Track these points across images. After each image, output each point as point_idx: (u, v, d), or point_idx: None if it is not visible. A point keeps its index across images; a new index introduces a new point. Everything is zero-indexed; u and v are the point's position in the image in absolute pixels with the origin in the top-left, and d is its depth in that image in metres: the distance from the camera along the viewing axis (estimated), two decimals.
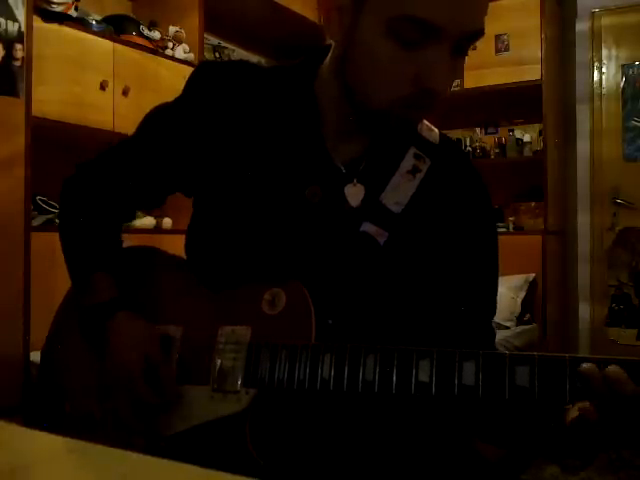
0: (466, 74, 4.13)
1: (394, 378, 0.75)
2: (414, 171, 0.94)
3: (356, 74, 0.85)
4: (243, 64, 0.98)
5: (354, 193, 0.91)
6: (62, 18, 2.49)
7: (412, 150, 0.95)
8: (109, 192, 1.04)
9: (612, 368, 0.68)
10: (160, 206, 1.10)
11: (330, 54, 0.91)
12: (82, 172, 1.07)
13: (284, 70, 0.97)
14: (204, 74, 0.96)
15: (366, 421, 0.91)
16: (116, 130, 2.67)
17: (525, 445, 0.92)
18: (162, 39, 3.06)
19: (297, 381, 0.80)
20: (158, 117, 1.01)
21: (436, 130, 1.00)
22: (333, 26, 0.84)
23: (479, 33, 0.81)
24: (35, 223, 2.40)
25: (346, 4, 0.82)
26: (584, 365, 0.69)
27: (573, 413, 0.73)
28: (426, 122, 0.99)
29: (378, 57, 0.80)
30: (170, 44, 3.07)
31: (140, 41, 2.92)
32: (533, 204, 4.16)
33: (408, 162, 0.94)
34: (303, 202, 0.91)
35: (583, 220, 4.23)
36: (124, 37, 2.85)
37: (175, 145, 0.97)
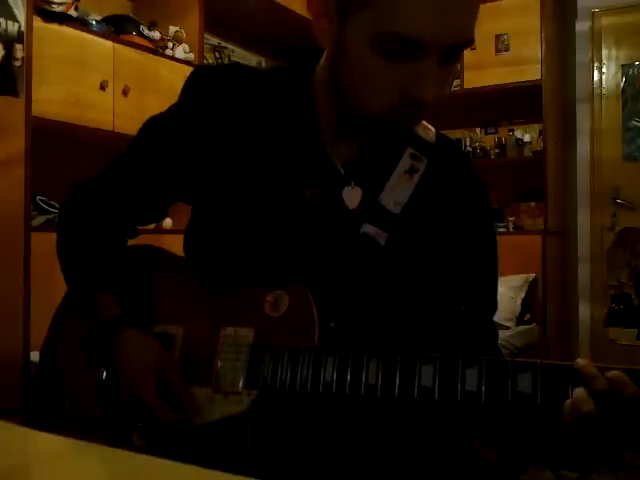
0: (466, 74, 4.14)
1: (397, 382, 0.75)
2: (411, 171, 0.94)
3: (345, 82, 0.84)
4: (238, 67, 0.98)
5: (352, 195, 0.91)
6: (62, 18, 2.49)
7: (409, 150, 0.94)
8: (108, 212, 1.02)
9: (614, 372, 0.68)
10: (162, 220, 1.08)
11: (324, 57, 0.91)
12: (78, 194, 1.05)
13: (281, 71, 0.96)
14: (199, 80, 0.95)
15: (367, 424, 0.91)
16: (116, 130, 2.67)
17: (525, 450, 0.92)
18: (162, 39, 3.06)
19: (299, 383, 0.80)
20: (155, 128, 0.99)
21: (432, 129, 0.99)
22: (322, 33, 0.84)
23: (468, 43, 0.80)
24: (35, 223, 2.39)
25: (332, 14, 0.81)
26: (586, 366, 0.69)
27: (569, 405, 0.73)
28: (423, 121, 0.98)
29: (364, 69, 0.80)
30: (170, 44, 3.07)
31: (140, 41, 2.92)
32: (533, 204, 4.16)
33: (405, 162, 0.94)
34: (303, 204, 0.91)
35: (583, 220, 4.23)
36: (124, 37, 2.85)
37: (175, 154, 0.96)
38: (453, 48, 0.78)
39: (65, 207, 1.07)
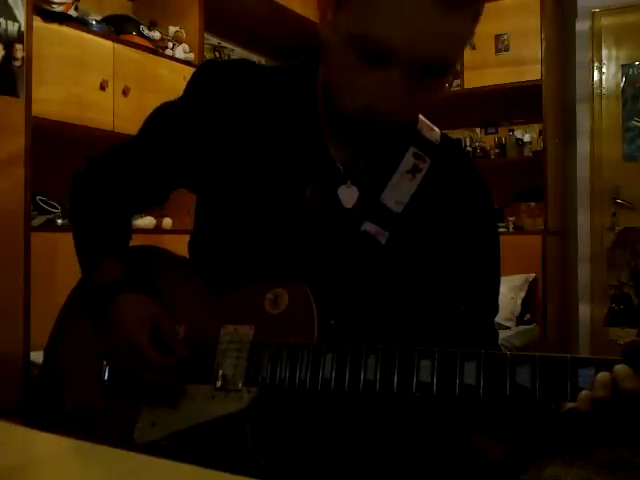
0: (466, 74, 4.14)
1: (395, 378, 0.75)
2: (414, 170, 0.94)
3: (328, 78, 0.86)
4: (246, 63, 0.99)
5: (348, 194, 0.91)
6: (62, 18, 2.49)
7: (412, 150, 0.95)
8: (118, 185, 1.05)
9: (620, 368, 0.67)
10: (164, 202, 1.11)
11: None
12: (92, 166, 1.08)
13: (286, 70, 0.97)
14: (207, 73, 0.97)
15: (367, 421, 0.91)
16: (116, 130, 2.67)
17: (525, 438, 0.92)
18: (162, 39, 3.06)
19: (298, 380, 0.80)
20: (162, 115, 1.02)
21: (437, 130, 1.00)
22: (321, 29, 0.85)
23: (446, 66, 0.78)
24: (35, 223, 2.39)
25: (331, 7, 0.82)
26: (600, 375, 0.67)
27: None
28: (427, 121, 0.99)
29: (340, 67, 0.81)
30: (170, 44, 3.07)
31: (140, 41, 2.92)
32: (533, 204, 4.16)
33: (408, 162, 0.94)
34: (303, 201, 0.91)
35: (583, 220, 4.23)
36: (124, 37, 2.85)
37: (178, 143, 0.97)
38: (426, 66, 0.77)
39: (79, 177, 1.09)
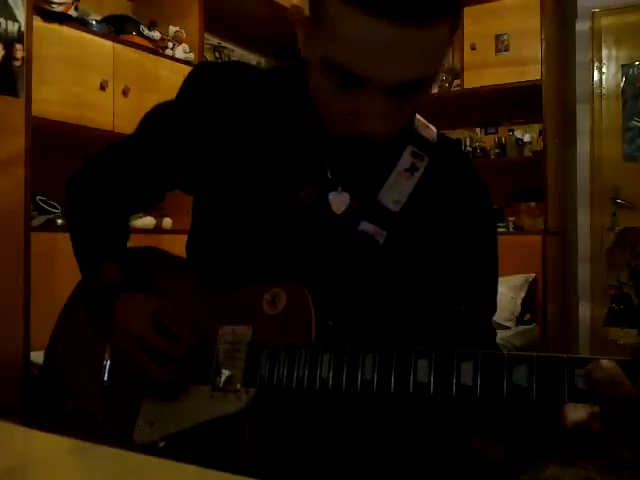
0: (466, 74, 4.15)
1: (393, 378, 0.75)
2: (412, 169, 0.94)
3: (312, 93, 0.85)
4: (240, 65, 0.99)
5: (338, 201, 0.91)
6: (62, 18, 2.49)
7: (410, 148, 0.94)
8: (114, 185, 1.05)
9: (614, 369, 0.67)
10: (160, 202, 1.11)
11: None
12: (89, 166, 1.08)
13: (281, 71, 0.97)
14: (201, 75, 0.96)
15: (365, 421, 0.91)
16: (116, 130, 2.68)
17: (524, 440, 0.92)
18: (162, 39, 3.06)
19: (296, 380, 0.80)
20: (157, 116, 1.01)
21: (433, 128, 0.99)
22: (299, 39, 0.83)
23: (422, 80, 0.76)
24: (35, 223, 2.39)
25: (306, 26, 0.80)
26: (591, 366, 0.67)
27: (577, 414, 0.72)
28: (423, 120, 0.99)
29: (320, 90, 0.80)
30: (170, 44, 3.07)
31: (140, 41, 2.92)
32: (533, 204, 4.16)
33: (406, 160, 0.94)
34: (298, 203, 0.91)
35: (583, 220, 4.23)
36: (124, 37, 2.86)
37: (172, 144, 0.97)
38: (401, 85, 0.75)
39: (75, 177, 1.09)
